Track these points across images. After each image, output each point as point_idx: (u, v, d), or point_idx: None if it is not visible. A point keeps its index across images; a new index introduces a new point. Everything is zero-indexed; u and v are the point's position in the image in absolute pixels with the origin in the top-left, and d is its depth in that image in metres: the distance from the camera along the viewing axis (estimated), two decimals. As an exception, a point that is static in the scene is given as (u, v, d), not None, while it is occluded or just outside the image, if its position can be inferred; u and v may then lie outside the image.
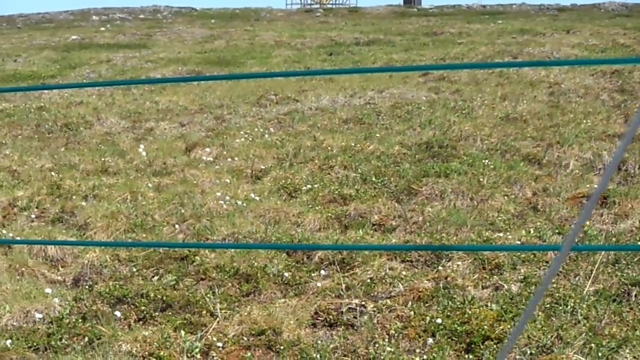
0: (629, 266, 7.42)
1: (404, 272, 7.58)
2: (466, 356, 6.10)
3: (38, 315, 6.92)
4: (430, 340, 6.30)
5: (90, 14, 53.99)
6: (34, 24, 49.00)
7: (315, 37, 32.58)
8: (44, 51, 28.79)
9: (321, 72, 3.08)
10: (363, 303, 7.00)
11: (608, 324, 6.41)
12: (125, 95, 18.22)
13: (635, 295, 6.88)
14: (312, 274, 7.79)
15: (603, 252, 7.57)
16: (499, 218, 9.05)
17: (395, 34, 33.17)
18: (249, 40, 31.86)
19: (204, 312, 7.01)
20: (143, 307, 7.13)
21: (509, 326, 6.36)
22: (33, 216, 9.81)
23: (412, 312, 6.76)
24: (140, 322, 6.96)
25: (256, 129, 14.37)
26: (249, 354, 6.29)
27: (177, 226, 9.26)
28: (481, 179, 10.31)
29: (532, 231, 8.54)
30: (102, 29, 38.94)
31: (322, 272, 7.80)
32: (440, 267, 7.69)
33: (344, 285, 7.39)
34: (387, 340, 6.36)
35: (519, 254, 7.75)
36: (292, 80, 19.63)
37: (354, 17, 47.57)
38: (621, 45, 23.90)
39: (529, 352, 6.00)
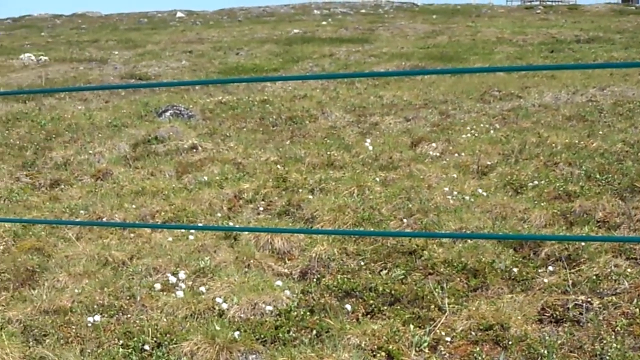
0: None
1: (629, 270, 7.53)
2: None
3: (268, 308, 7.19)
4: (656, 337, 6.24)
5: (312, 8, 55.31)
6: (255, 17, 50.69)
7: (536, 34, 32.45)
8: (265, 44, 29.73)
9: (540, 68, 3.10)
10: (589, 299, 6.98)
11: None
12: (349, 89, 18.60)
13: None
14: (539, 270, 7.84)
15: None
16: None
17: (615, 31, 32.67)
18: (470, 36, 31.93)
19: (432, 306, 7.14)
20: (371, 301, 7.30)
21: None
22: (260, 208, 10.21)
23: (637, 309, 6.72)
24: (369, 316, 7.12)
25: (481, 125, 14.49)
26: (477, 348, 6.38)
27: (404, 220, 9.42)
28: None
29: None
30: (324, 23, 39.79)
31: (549, 268, 7.84)
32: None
33: (570, 282, 7.38)
34: (613, 337, 6.33)
35: None
36: (515, 77, 19.78)
37: (573, 14, 47.06)
38: None
39: None
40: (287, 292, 7.48)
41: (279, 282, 7.67)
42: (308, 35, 32.57)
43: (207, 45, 31.74)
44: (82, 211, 10.43)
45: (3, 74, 25.75)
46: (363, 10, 51.31)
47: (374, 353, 6.34)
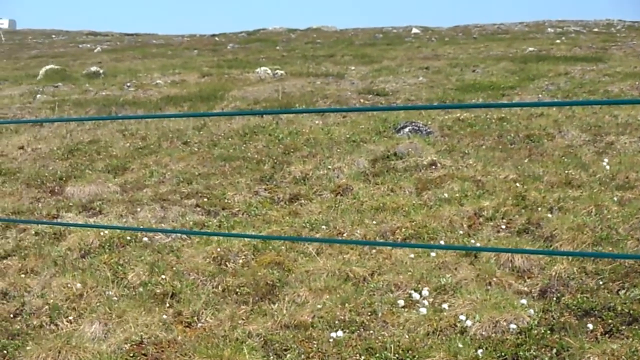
0: None
1: None
2: None
3: (512, 326, 7.10)
4: None
5: (545, 26, 54.17)
6: (490, 34, 50.10)
7: None
8: (501, 62, 29.31)
9: None
10: None
11: None
12: (584, 108, 18.08)
13: None
14: None
15: None
16: None
17: None
18: None
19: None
20: (610, 320, 7.12)
21: None
22: (503, 226, 10.03)
23: None
24: (607, 335, 6.94)
25: None
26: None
27: (641, 241, 9.10)
28: None
29: None
30: (557, 41, 38.84)
31: None
32: None
33: None
34: None
35: None
36: None
37: None
38: None
39: None
40: (532, 311, 7.35)
41: (524, 301, 7.56)
42: (542, 54, 31.81)
43: (443, 62, 31.47)
44: (323, 226, 10.45)
45: (239, 87, 25.90)
46: (596, 29, 49.80)
47: (617, 373, 6.20)
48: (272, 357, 6.94)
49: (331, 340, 7.11)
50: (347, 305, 7.76)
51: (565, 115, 16.65)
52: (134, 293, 8.46)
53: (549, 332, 6.99)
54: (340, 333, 7.19)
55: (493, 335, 7.04)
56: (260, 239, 9.75)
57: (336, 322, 7.47)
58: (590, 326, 7.03)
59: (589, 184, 11.58)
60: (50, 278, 8.90)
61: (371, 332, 7.31)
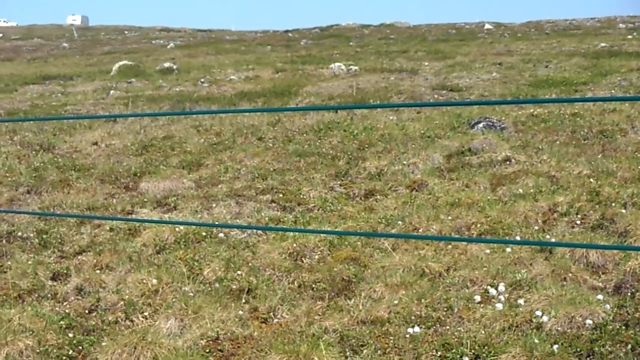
0: None
1: None
2: None
3: (588, 322, 7.07)
4: None
5: (617, 22, 53.40)
6: (562, 30, 49.60)
7: None
8: (573, 58, 28.96)
9: None
10: None
11: None
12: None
13: None
14: None
15: None
16: None
17: None
18: None
19: None
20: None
21: None
22: (577, 222, 9.95)
23: None
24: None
25: None
26: None
27: None
28: None
29: None
30: (629, 37, 38.26)
31: None
32: None
33: None
34: None
35: None
36: None
37: None
38: None
39: None
40: (608, 307, 7.31)
41: (600, 296, 7.52)
42: (615, 49, 31.31)
43: (516, 58, 31.17)
44: (399, 222, 10.44)
45: (313, 83, 26.06)
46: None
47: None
48: (348, 353, 6.97)
49: (407, 335, 7.12)
50: (423, 300, 7.76)
51: (637, 111, 16.41)
52: (209, 289, 8.52)
53: (623, 327, 6.94)
54: (416, 329, 7.19)
55: (568, 330, 7.02)
56: (336, 235, 9.76)
57: (412, 317, 7.47)
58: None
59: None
60: (125, 274, 9.01)
61: (447, 327, 7.31)
